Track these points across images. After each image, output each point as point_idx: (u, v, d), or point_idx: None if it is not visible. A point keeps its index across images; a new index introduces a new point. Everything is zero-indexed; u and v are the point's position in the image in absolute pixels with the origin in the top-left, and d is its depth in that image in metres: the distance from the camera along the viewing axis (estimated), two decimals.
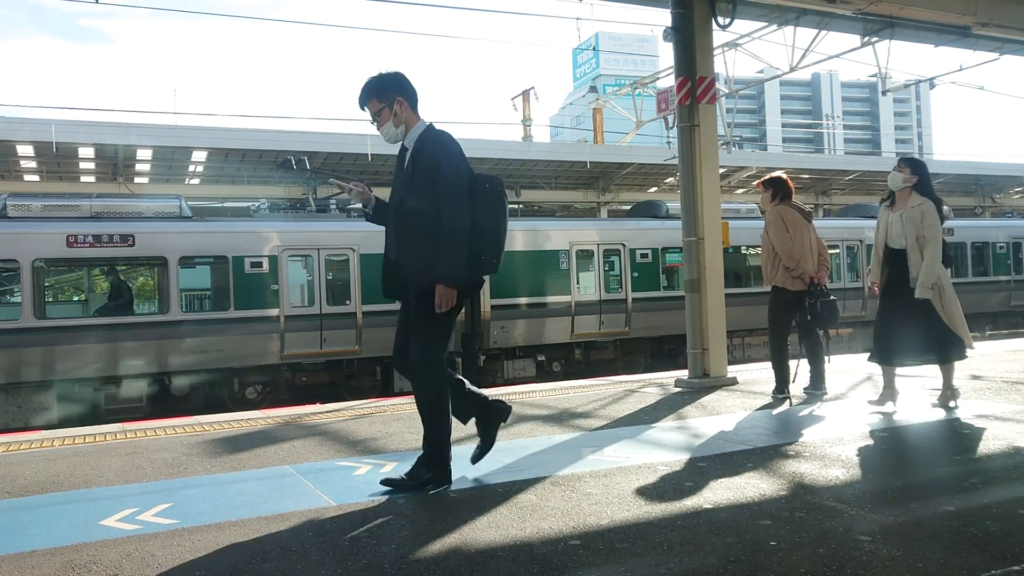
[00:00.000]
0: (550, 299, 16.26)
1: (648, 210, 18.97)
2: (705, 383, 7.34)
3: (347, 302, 14.68)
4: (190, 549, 2.97)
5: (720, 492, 3.60)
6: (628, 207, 21.59)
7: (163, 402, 13.05)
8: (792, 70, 14.83)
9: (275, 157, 17.32)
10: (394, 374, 15.19)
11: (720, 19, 7.79)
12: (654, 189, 23.92)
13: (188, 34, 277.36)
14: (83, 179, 18.58)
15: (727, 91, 16.59)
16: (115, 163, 17.60)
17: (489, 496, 3.63)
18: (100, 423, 10.45)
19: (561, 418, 5.89)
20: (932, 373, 7.57)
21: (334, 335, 14.51)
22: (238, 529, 3.20)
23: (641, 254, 17.03)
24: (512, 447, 4.80)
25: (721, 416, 5.73)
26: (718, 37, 14.91)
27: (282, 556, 2.89)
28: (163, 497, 3.78)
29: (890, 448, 4.37)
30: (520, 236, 16.29)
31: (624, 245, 16.89)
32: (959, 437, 4.59)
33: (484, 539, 3.02)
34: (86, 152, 16.91)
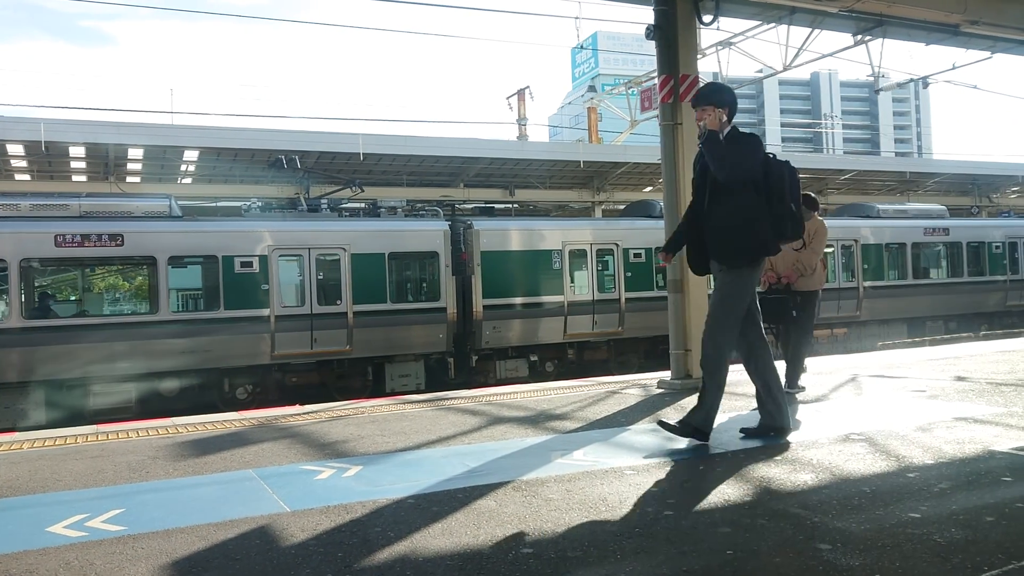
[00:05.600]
0: (543, 299, 16.18)
1: (642, 210, 18.89)
2: (688, 384, 7.25)
3: (338, 302, 14.61)
4: (131, 558, 2.90)
5: (684, 498, 3.53)
6: (623, 206, 21.52)
7: (152, 403, 12.96)
8: (785, 69, 14.79)
9: (267, 156, 17.25)
10: (386, 374, 15.15)
11: (704, 16, 7.71)
12: (649, 188, 23.83)
13: (188, 34, 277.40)
14: (75, 178, 18.51)
15: None
16: (106, 162, 17.53)
17: (448, 501, 3.56)
18: (89, 424, 10.40)
19: (537, 420, 5.82)
20: (913, 374, 7.52)
21: (325, 335, 14.44)
22: (185, 536, 3.13)
23: (635, 254, 16.95)
24: (481, 450, 4.72)
25: None
26: (712, 36, 14.92)
27: (224, 564, 2.82)
28: (117, 502, 3.70)
29: (864, 452, 4.29)
30: (513, 236, 16.23)
31: (617, 245, 16.82)
32: (935, 441, 4.51)
33: (434, 547, 2.95)
34: (77, 151, 16.84)
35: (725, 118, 4.64)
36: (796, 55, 14.19)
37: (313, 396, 13.19)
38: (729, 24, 14.22)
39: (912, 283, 20.22)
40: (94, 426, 6.75)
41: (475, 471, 4.16)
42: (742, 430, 4.91)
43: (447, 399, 7.25)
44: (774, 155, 4.68)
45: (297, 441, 5.26)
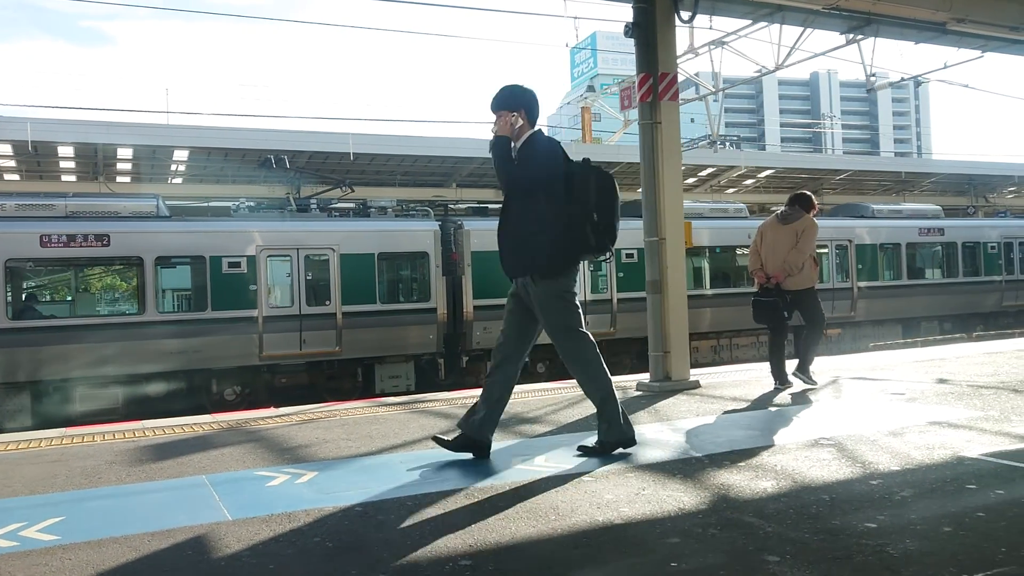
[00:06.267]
0: None
1: (634, 210, 18.74)
2: (666, 387, 7.17)
3: (327, 302, 14.54)
4: (56, 570, 2.80)
5: (638, 506, 3.43)
6: None
7: (140, 405, 12.88)
8: (778, 68, 14.72)
9: (258, 156, 17.18)
10: (375, 375, 15.06)
11: (683, 14, 7.61)
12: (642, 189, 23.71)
13: (186, 34, 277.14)
14: (64, 178, 18.45)
15: (712, 89, 16.42)
16: (95, 162, 17.46)
17: (396, 510, 3.46)
18: (76, 426, 10.31)
19: (507, 424, 5.71)
20: (896, 376, 7.43)
21: (314, 336, 14.37)
22: (118, 547, 3.03)
23: (627, 254, 16.83)
24: (443, 455, 4.61)
25: (671, 422, 5.56)
26: (705, 35, 14.86)
27: None
28: (59, 510, 3.61)
29: (830, 458, 4.19)
30: None
31: None
32: (905, 446, 4.41)
33: (370, 559, 2.85)
34: (66, 151, 16.77)
35: (521, 121, 4.38)
36: (788, 54, 14.13)
37: (303, 397, 13.12)
38: (722, 23, 14.13)
39: (907, 283, 20.12)
40: (61, 429, 6.66)
41: (431, 478, 4.07)
42: (579, 446, 4.57)
43: (422, 401, 7.16)
44: (587, 161, 4.38)
45: (260, 445, 5.17)
